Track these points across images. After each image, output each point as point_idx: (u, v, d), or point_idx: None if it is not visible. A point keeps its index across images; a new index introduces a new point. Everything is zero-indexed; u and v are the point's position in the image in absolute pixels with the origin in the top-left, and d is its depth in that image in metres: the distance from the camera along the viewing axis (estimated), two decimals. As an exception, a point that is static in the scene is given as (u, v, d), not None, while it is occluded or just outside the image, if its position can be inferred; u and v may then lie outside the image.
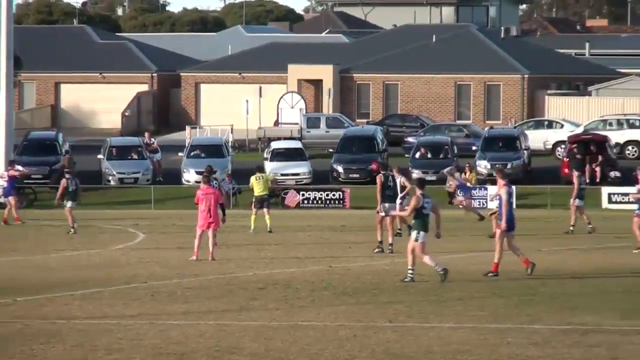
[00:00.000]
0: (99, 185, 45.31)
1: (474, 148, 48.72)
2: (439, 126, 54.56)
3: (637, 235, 24.97)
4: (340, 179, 45.82)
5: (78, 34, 69.74)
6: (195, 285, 20.45)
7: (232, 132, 54.22)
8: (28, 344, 14.95)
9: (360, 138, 48.22)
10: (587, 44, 73.90)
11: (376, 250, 25.22)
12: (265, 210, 30.88)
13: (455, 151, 46.99)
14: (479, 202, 42.13)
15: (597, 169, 44.34)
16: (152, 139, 48.74)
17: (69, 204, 31.34)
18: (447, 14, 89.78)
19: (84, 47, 67.15)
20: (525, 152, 46.51)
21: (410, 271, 20.41)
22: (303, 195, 42.94)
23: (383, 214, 24.80)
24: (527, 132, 50.22)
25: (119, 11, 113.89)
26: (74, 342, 15.00)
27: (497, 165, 44.08)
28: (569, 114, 56.85)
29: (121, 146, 47.48)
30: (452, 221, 35.27)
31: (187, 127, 56.31)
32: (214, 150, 46.61)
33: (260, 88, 59.19)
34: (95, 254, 26.36)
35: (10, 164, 37.59)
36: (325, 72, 61.86)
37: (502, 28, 72.41)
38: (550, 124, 53.55)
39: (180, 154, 48.00)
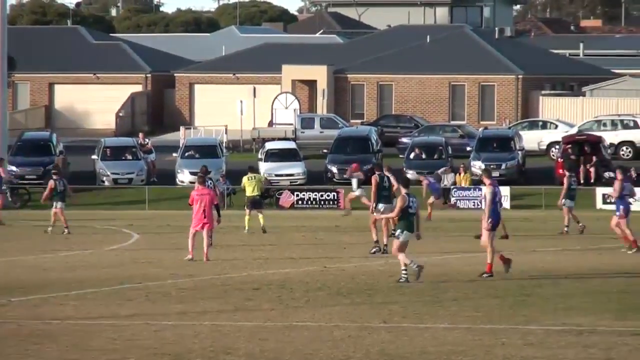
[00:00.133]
0: (93, 185, 45.27)
1: (468, 149, 48.75)
2: (433, 127, 54.59)
3: (622, 234, 25.04)
4: (334, 179, 45.83)
5: (72, 34, 69.66)
6: (189, 286, 20.43)
7: (226, 133, 54.20)
8: (22, 344, 14.92)
9: (354, 139, 48.23)
10: (581, 45, 73.97)
11: (373, 250, 25.21)
12: (257, 210, 30.85)
13: (450, 152, 47.01)
14: (474, 202, 42.16)
15: (592, 169, 44.38)
16: (146, 140, 48.72)
17: (58, 204, 31.27)
18: (441, 14, 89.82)
19: (78, 47, 67.08)
20: (519, 152, 46.53)
21: (404, 272, 20.41)
22: (297, 195, 42.95)
23: (378, 214, 24.79)
24: (521, 132, 50.25)
25: (113, 12, 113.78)
26: (68, 343, 14.97)
27: (490, 166, 44.15)
28: (563, 115, 56.90)
29: (115, 147, 47.45)
30: (447, 222, 35.29)
31: (181, 127, 56.27)
32: (208, 150, 46.60)
33: (255, 88, 59.17)
34: (89, 254, 26.32)
35: None
36: (319, 73, 61.86)
37: (496, 28, 72.49)
38: (544, 125, 53.60)
39: (174, 154, 47.97)
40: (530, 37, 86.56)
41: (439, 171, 44.48)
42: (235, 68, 64.58)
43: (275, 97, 58.31)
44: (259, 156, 47.55)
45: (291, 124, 55.47)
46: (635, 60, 71.03)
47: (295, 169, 46.04)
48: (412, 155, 46.64)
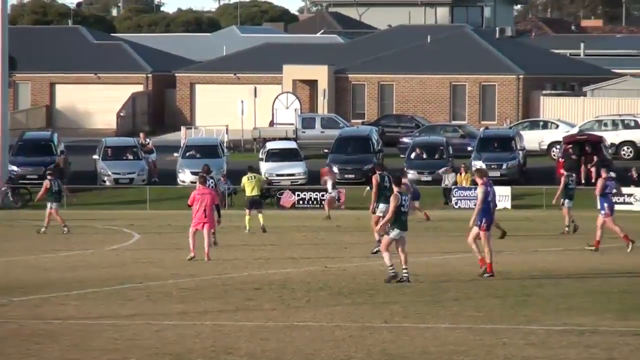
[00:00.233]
0: (94, 185, 45.27)
1: (469, 148, 48.75)
2: (434, 127, 54.58)
3: (617, 233, 25.06)
4: (336, 179, 45.78)
5: (73, 34, 69.68)
6: (191, 286, 20.42)
7: (227, 133, 54.20)
8: (23, 344, 14.92)
9: (355, 138, 48.23)
10: (582, 45, 73.95)
11: (375, 249, 25.20)
12: (257, 210, 30.84)
13: (451, 151, 47.01)
14: (475, 202, 42.11)
15: (593, 169, 44.38)
16: (148, 140, 48.73)
17: (53, 205, 31.25)
18: (442, 14, 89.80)
19: (79, 47, 67.10)
20: (520, 152, 46.53)
21: (404, 271, 20.41)
22: (298, 195, 42.94)
23: (380, 214, 24.79)
24: (522, 132, 50.25)
25: (114, 12, 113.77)
26: (69, 343, 14.97)
27: (492, 166, 44.14)
28: (564, 115, 56.89)
29: (116, 147, 47.47)
30: (448, 221, 35.28)
31: (182, 127, 56.27)
32: (209, 150, 46.61)
33: (255, 88, 59.17)
34: (90, 254, 26.31)
35: None
36: (320, 73, 61.86)
37: (497, 28, 72.47)
38: (545, 125, 53.59)
39: (175, 154, 47.99)
40: (531, 37, 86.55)
41: (440, 171, 44.50)
42: (236, 68, 64.58)
43: (276, 97, 58.32)
44: (260, 156, 47.55)
45: (292, 124, 55.47)
46: (636, 60, 71.01)
47: (296, 169, 46.05)
48: (413, 155, 46.64)
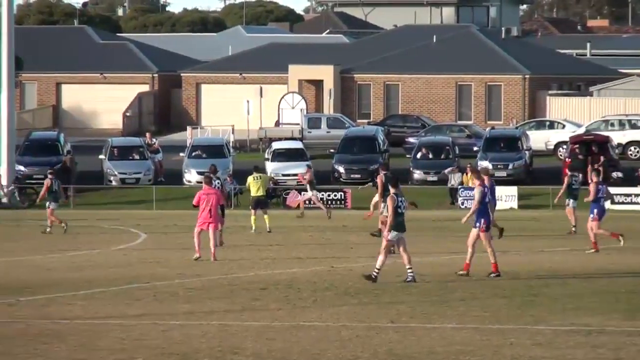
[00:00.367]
0: (100, 185, 45.31)
1: (475, 148, 48.71)
2: (440, 127, 54.55)
3: (605, 235, 25.15)
4: (341, 179, 45.82)
5: (79, 34, 69.75)
6: (197, 286, 20.43)
7: (233, 133, 54.22)
8: (31, 343, 14.93)
9: (361, 138, 48.22)
10: (588, 45, 73.86)
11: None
12: (262, 211, 30.83)
13: (457, 152, 46.97)
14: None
15: (600, 169, 44.27)
16: (154, 140, 48.77)
17: (52, 205, 31.29)
18: (448, 14, 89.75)
19: (85, 47, 67.16)
20: (526, 152, 46.48)
21: (409, 271, 20.40)
22: (304, 195, 42.87)
23: (386, 214, 24.77)
24: (528, 132, 50.21)
25: (120, 12, 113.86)
26: (76, 342, 14.98)
27: (498, 166, 44.09)
28: (571, 115, 56.82)
29: (123, 146, 47.51)
30: (454, 221, 35.25)
31: (188, 127, 56.30)
32: (215, 150, 46.63)
33: (261, 88, 59.18)
34: (97, 254, 26.34)
35: None
36: (325, 73, 61.85)
37: (503, 28, 72.40)
38: (551, 125, 53.54)
39: (181, 154, 48.00)
40: (536, 37, 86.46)
41: (446, 171, 44.45)
42: (241, 68, 64.60)
43: (282, 97, 58.32)
44: (266, 156, 47.56)
45: (298, 124, 55.47)
46: (642, 60, 70.91)
47: (302, 169, 46.04)
48: (419, 155, 46.60)
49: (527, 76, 60.33)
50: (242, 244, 27.82)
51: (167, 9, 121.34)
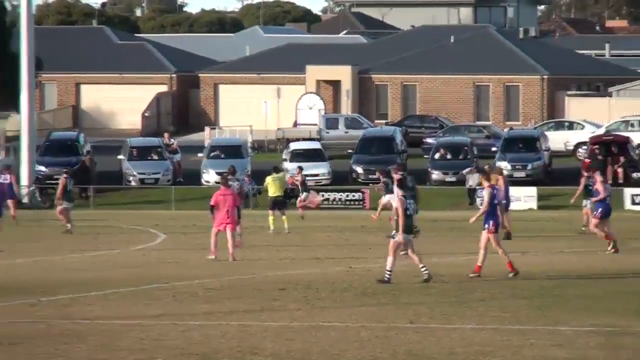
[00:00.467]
0: (119, 185, 45.45)
1: (493, 149, 48.61)
2: (458, 127, 54.47)
3: (601, 235, 25.10)
4: (359, 179, 45.81)
5: (97, 34, 69.96)
6: (216, 286, 20.48)
7: (251, 133, 54.29)
8: (52, 344, 15.01)
9: (379, 139, 48.20)
10: (607, 45, 73.58)
11: (402, 252, 25.17)
12: (280, 212, 30.85)
13: (475, 152, 46.89)
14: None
15: (620, 170, 44.16)
16: (172, 140, 48.88)
17: (64, 204, 31.40)
18: (465, 14, 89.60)
19: (103, 47, 67.36)
20: (545, 153, 46.36)
21: (423, 269, 20.40)
22: (323, 196, 42.92)
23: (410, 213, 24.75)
24: (547, 133, 50.07)
25: (138, 12, 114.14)
26: (97, 342, 15.04)
27: (516, 166, 43.96)
28: (589, 115, 56.62)
29: (141, 147, 47.65)
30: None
31: (205, 128, 56.39)
32: (233, 151, 46.71)
33: (279, 89, 59.22)
34: (116, 254, 26.43)
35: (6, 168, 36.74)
36: (343, 73, 61.85)
37: (521, 29, 72.23)
38: (571, 125, 53.38)
39: (199, 154, 48.11)
40: (554, 37, 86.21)
41: (464, 171, 44.36)
42: (259, 68, 64.66)
43: (300, 98, 58.35)
44: (284, 156, 47.60)
45: (316, 125, 55.48)
46: (661, 60, 70.63)
47: (321, 169, 46.08)
48: (437, 156, 46.54)
49: (545, 77, 60.16)
50: (260, 245, 27.86)
51: (185, 9, 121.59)
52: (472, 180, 43.87)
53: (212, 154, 46.85)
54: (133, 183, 45.74)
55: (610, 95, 58.63)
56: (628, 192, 41.52)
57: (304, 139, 52.25)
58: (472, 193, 43.25)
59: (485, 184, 21.41)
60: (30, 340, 15.24)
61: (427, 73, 61.52)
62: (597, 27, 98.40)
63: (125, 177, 46.07)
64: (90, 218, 36.23)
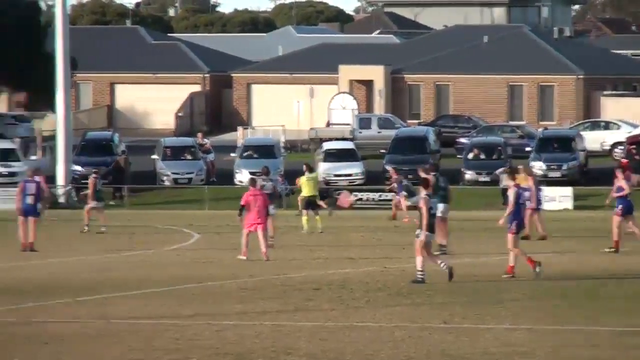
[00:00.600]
0: (153, 185, 45.65)
1: (527, 149, 48.41)
2: (492, 127, 54.28)
3: (614, 234, 24.91)
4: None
5: (131, 34, 70.33)
6: (249, 286, 20.51)
7: (284, 133, 54.37)
8: (87, 344, 15.08)
9: (412, 139, 48.13)
10: (643, 44, 73.08)
11: (437, 252, 25.12)
12: (313, 212, 30.85)
13: (509, 152, 46.70)
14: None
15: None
16: (205, 140, 49.04)
17: (93, 203, 31.58)
18: (499, 14, 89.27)
19: (137, 47, 67.70)
20: (581, 153, 46.09)
21: (442, 265, 20.32)
22: (356, 196, 42.91)
23: (440, 214, 24.69)
24: (583, 133, 49.80)
25: (171, 12, 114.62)
26: (132, 342, 15.10)
27: (551, 166, 43.72)
28: (625, 115, 56.22)
29: (175, 147, 47.86)
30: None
31: (238, 127, 56.54)
32: (266, 150, 46.79)
33: (312, 89, 59.27)
34: (151, 254, 26.54)
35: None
36: (376, 73, 61.81)
37: (555, 29, 71.86)
38: (607, 125, 53.07)
39: (232, 154, 48.23)
40: (590, 37, 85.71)
41: (498, 171, 44.18)
42: (292, 68, 64.74)
43: (332, 97, 58.36)
44: (317, 156, 47.63)
45: (349, 124, 55.46)
46: (697, 59, 70.01)
47: (354, 169, 46.05)
48: (470, 156, 46.40)
49: (580, 76, 59.83)
50: (294, 244, 27.88)
51: (218, 9, 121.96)
52: (506, 180, 43.68)
53: (245, 154, 46.95)
54: (167, 183, 45.93)
55: (646, 95, 58.22)
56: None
57: (337, 139, 52.25)
58: (505, 193, 43.03)
59: (510, 183, 21.32)
60: (65, 340, 15.32)
61: (461, 73, 61.34)
62: (633, 27, 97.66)
63: (159, 176, 46.27)
64: (125, 217, 36.42)
